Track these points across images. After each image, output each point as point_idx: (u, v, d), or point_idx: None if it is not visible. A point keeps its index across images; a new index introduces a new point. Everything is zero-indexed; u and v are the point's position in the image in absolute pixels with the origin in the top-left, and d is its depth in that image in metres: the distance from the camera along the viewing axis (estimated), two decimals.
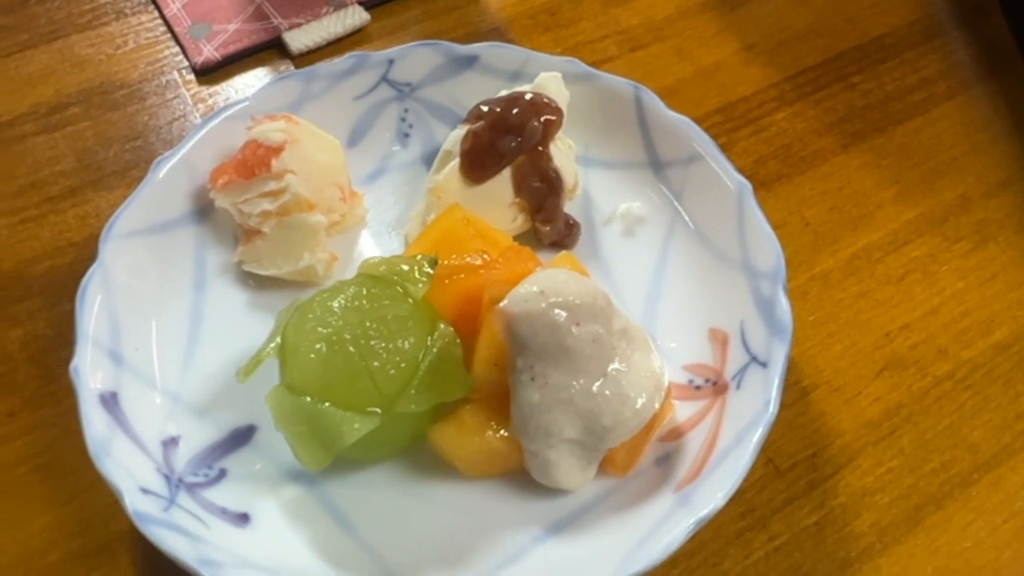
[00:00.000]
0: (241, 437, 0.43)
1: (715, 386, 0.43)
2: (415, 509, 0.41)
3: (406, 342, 0.38)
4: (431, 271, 0.40)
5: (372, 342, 0.38)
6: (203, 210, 0.49)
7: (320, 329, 0.38)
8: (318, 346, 0.38)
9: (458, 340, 0.39)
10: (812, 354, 0.48)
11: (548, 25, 0.64)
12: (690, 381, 0.44)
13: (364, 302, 0.39)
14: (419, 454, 0.42)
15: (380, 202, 0.52)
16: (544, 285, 0.39)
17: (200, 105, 0.60)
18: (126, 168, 0.56)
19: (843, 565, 0.42)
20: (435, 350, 0.39)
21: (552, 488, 0.41)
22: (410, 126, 0.54)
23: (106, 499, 0.44)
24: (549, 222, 0.48)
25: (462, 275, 0.41)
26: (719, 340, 0.45)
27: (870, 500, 0.44)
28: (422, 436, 0.41)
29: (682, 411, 0.43)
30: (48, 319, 0.50)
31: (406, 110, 0.54)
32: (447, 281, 0.41)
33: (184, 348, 0.45)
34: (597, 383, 0.39)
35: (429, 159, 0.53)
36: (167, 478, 0.40)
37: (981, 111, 0.59)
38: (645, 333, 0.42)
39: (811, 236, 0.53)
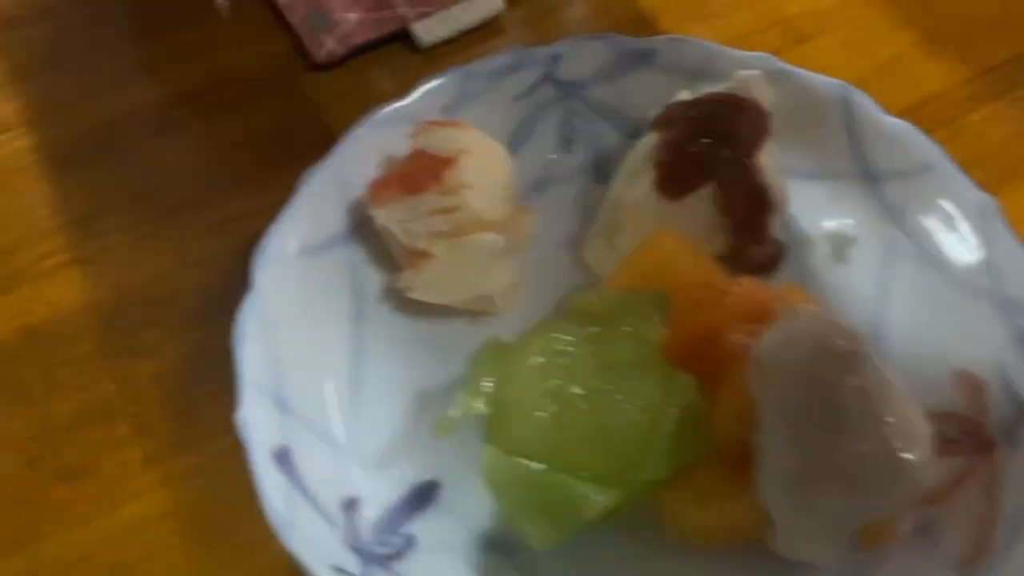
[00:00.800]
0: (423, 496, 0.37)
1: (976, 440, 0.37)
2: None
3: (646, 396, 0.32)
4: (664, 310, 0.34)
5: (609, 397, 0.32)
6: (356, 228, 0.43)
7: (547, 382, 0.32)
8: (547, 402, 0.32)
9: (700, 391, 0.33)
10: None
11: (701, 15, 0.58)
12: (940, 433, 0.38)
13: (593, 348, 0.33)
14: (644, 520, 0.36)
15: (545, 218, 0.46)
16: (807, 330, 0.33)
17: (326, 104, 0.54)
18: (247, 176, 0.50)
19: None
20: (678, 405, 0.33)
21: (799, 562, 0.35)
22: (574, 130, 0.48)
23: (268, 562, 0.38)
24: (759, 243, 0.42)
25: (690, 315, 0.35)
26: (970, 388, 0.39)
27: None
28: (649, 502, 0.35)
29: (937, 469, 0.37)
30: (179, 349, 0.44)
31: (570, 112, 0.48)
32: (673, 318, 0.35)
33: (348, 390, 0.40)
34: (865, 442, 0.33)
35: (596, 168, 0.47)
36: (357, 551, 0.34)
37: None
38: (896, 381, 0.36)
39: None
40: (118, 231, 0.48)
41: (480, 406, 0.33)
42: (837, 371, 0.33)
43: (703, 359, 0.35)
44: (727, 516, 0.34)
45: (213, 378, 0.43)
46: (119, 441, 0.42)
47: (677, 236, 0.39)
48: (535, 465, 0.32)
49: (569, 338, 0.33)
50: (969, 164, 0.50)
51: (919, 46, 0.56)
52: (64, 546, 0.39)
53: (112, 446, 0.42)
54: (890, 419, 0.34)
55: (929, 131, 0.51)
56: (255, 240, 0.41)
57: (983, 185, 0.49)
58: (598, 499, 0.31)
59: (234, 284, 0.46)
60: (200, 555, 0.39)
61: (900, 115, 0.51)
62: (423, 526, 0.36)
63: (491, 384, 0.34)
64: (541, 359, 0.33)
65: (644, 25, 0.57)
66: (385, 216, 0.42)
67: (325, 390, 0.39)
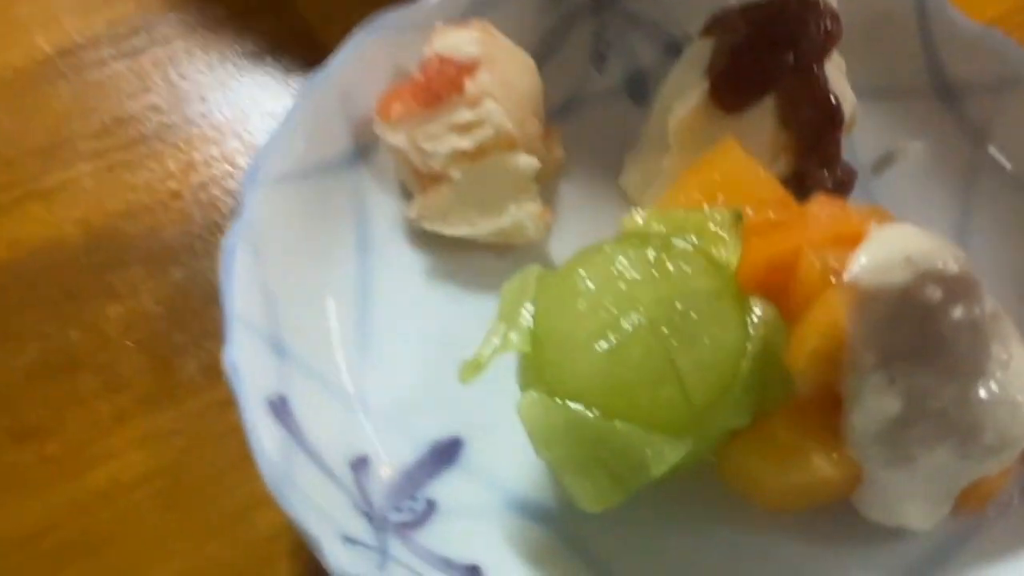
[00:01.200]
0: (444, 454, 0.32)
1: None
2: (697, 554, 0.30)
3: (722, 329, 0.27)
4: (738, 229, 0.28)
5: (679, 330, 0.26)
6: (362, 151, 0.38)
7: (601, 311, 0.27)
8: (602, 337, 0.26)
9: (782, 323, 0.28)
10: None
11: None
12: None
13: (655, 272, 0.27)
14: (698, 479, 0.31)
15: (576, 142, 0.40)
16: (909, 249, 0.27)
17: (319, 23, 0.47)
18: (234, 100, 0.45)
19: None
20: (758, 341, 0.27)
21: (887, 528, 0.30)
22: (607, 45, 0.42)
23: (260, 533, 0.34)
24: (827, 164, 0.36)
25: (763, 237, 0.30)
26: None
27: None
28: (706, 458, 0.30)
29: None
30: (154, 292, 0.39)
31: (603, 24, 0.42)
32: (745, 242, 0.30)
33: (355, 333, 0.34)
34: (977, 386, 0.28)
35: (633, 87, 0.42)
36: (368, 516, 0.29)
37: None
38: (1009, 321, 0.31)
39: None
40: (84, 161, 0.43)
41: (517, 342, 0.28)
42: (944, 299, 0.27)
43: (782, 287, 0.29)
44: (809, 474, 0.29)
45: (194, 325, 0.38)
46: (85, 396, 0.37)
47: (743, 149, 0.33)
48: (588, 411, 0.26)
49: (626, 261, 0.28)
50: None
51: None
52: (22, 517, 0.34)
53: (76, 402, 0.36)
54: (1004, 358, 0.29)
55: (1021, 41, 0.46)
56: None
57: None
58: (668, 451, 0.26)
59: (219, 219, 0.41)
60: (181, 525, 0.34)
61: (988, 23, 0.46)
62: (444, 489, 0.31)
63: (530, 316, 0.28)
64: (592, 285, 0.27)
65: None
66: (396, 134, 0.36)
67: (329, 332, 0.34)
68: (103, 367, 0.37)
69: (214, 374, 0.36)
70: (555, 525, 0.31)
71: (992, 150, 0.38)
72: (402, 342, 0.34)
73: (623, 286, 0.27)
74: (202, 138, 0.43)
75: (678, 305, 0.27)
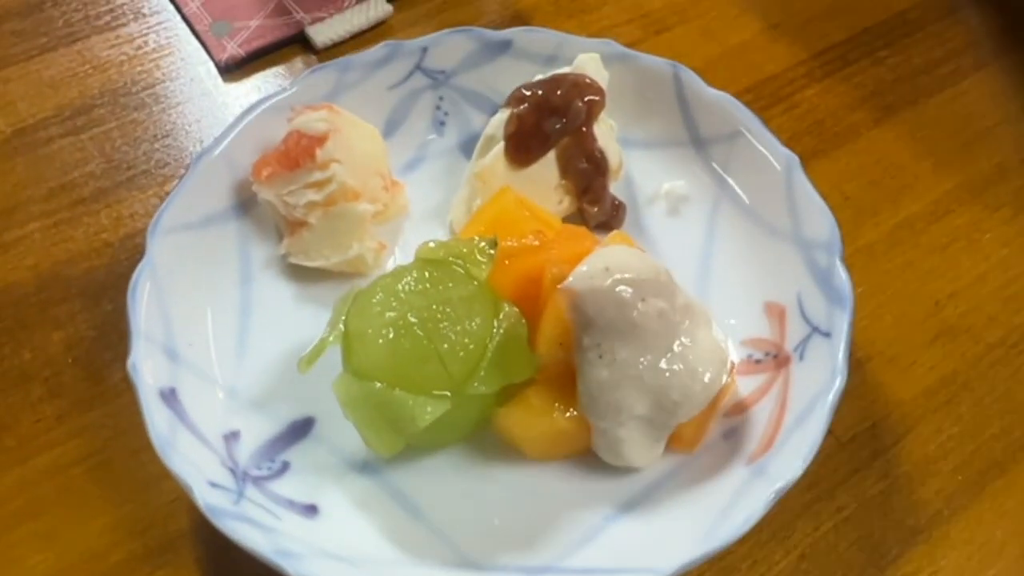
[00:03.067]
0: (300, 430, 0.43)
1: (776, 359, 0.43)
2: (483, 494, 0.41)
3: (473, 323, 0.38)
4: (492, 252, 0.40)
5: (440, 324, 0.37)
6: (245, 204, 0.49)
7: (386, 314, 0.38)
8: (385, 331, 0.37)
9: (523, 320, 0.39)
10: (863, 326, 0.48)
11: (571, 11, 0.64)
12: (749, 356, 0.44)
13: (428, 285, 0.38)
14: (482, 440, 0.42)
15: (420, 191, 0.51)
16: (609, 262, 0.39)
17: (227, 102, 0.59)
18: (156, 167, 0.56)
19: (912, 532, 0.42)
20: (502, 330, 0.38)
21: (619, 468, 0.41)
22: (445, 114, 0.54)
23: (165, 497, 0.43)
24: (596, 203, 0.48)
25: (520, 256, 0.41)
26: (776, 314, 0.45)
27: (933, 467, 0.44)
28: (485, 422, 0.41)
29: (744, 386, 0.43)
30: (89, 320, 0.49)
31: (441, 98, 0.53)
32: (505, 262, 0.41)
33: (236, 342, 0.45)
34: (665, 358, 0.39)
35: (466, 147, 0.53)
36: (232, 472, 0.39)
37: (1010, 80, 0.59)
38: (705, 308, 0.42)
39: (852, 210, 0.53)
40: (35, 220, 0.53)
41: (333, 339, 0.39)
42: (638, 295, 0.38)
43: (527, 296, 0.40)
44: (556, 428, 0.40)
45: (119, 344, 0.47)
46: (34, 401, 0.46)
47: (517, 195, 0.45)
48: (377, 384, 0.37)
49: (409, 278, 0.39)
50: (802, 133, 0.57)
51: (764, 33, 0.62)
52: None
53: (27, 406, 0.46)
54: (687, 340, 0.39)
55: (768, 105, 0.58)
56: None
57: (815, 149, 0.56)
58: (432, 408, 0.36)
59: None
60: (106, 494, 0.43)
61: (743, 93, 0.58)
62: (296, 453, 0.42)
63: (343, 322, 0.39)
64: (381, 295, 0.38)
65: (521, 22, 0.63)
66: (267, 191, 0.47)
67: (213, 343, 0.44)
68: (48, 378, 0.47)
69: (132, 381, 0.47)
70: (379, 477, 0.41)
71: (731, 184, 0.50)
72: (272, 348, 0.45)
73: (403, 295, 0.38)
74: (129, 198, 0.54)
75: (440, 307, 0.38)
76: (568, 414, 0.40)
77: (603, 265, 0.38)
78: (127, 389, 0.46)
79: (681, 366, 0.39)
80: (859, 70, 0.60)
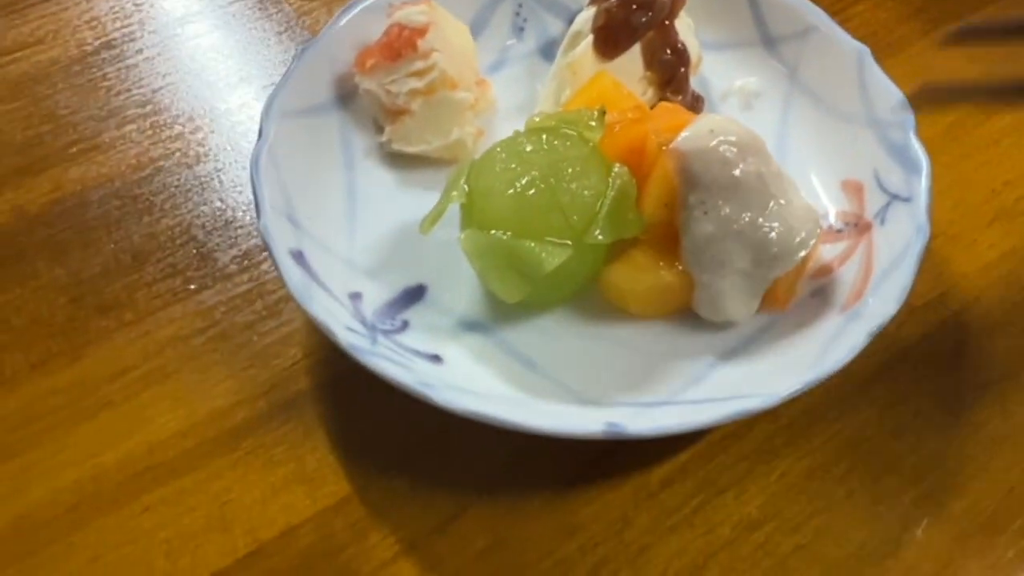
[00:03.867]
0: (414, 294, 0.45)
1: (857, 227, 0.46)
2: (592, 349, 0.43)
3: (590, 179, 0.41)
4: (603, 119, 0.43)
5: (560, 179, 0.40)
6: (345, 97, 0.51)
7: (512, 168, 0.40)
8: (512, 184, 0.40)
9: (633, 178, 0.42)
10: None
11: None
12: (831, 226, 0.47)
13: (546, 147, 0.41)
14: (585, 301, 0.45)
15: (504, 90, 0.54)
16: (713, 125, 0.42)
17: (305, 18, 0.61)
18: (244, 79, 0.58)
19: (984, 385, 0.45)
20: (616, 186, 0.41)
21: (718, 324, 0.44)
22: (524, 20, 0.56)
23: (284, 363, 0.46)
24: (679, 92, 0.51)
25: (624, 126, 0.44)
26: (853, 190, 0.48)
27: (1000, 330, 0.47)
28: (592, 281, 0.44)
29: (828, 252, 0.46)
30: (193, 209, 0.52)
31: (520, 5, 0.56)
32: (611, 132, 0.44)
33: (346, 219, 0.48)
34: (764, 215, 0.42)
35: (545, 51, 0.56)
36: (363, 322, 0.42)
37: None
38: (791, 179, 0.45)
39: None
40: (131, 123, 0.56)
41: (457, 196, 0.41)
42: (740, 155, 0.41)
43: (632, 161, 0.43)
44: (661, 283, 0.43)
45: (226, 231, 0.51)
46: (149, 281, 0.49)
47: (614, 79, 0.48)
48: (503, 234, 0.40)
49: (526, 141, 0.42)
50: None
51: None
52: (111, 360, 0.46)
53: (143, 285, 0.49)
54: (783, 200, 0.43)
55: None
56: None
57: None
58: (556, 253, 0.39)
59: (240, 159, 0.54)
60: (229, 359, 0.46)
61: None
62: (413, 314, 0.44)
63: (465, 182, 0.42)
64: (504, 155, 0.41)
65: None
66: (370, 81, 0.49)
67: (328, 218, 0.47)
68: (160, 261, 0.49)
69: (242, 262, 0.49)
70: (493, 334, 0.44)
71: (802, 78, 0.53)
72: (380, 225, 0.47)
73: (524, 155, 0.41)
74: (219, 100, 0.57)
75: (560, 165, 0.41)
76: (672, 269, 0.42)
77: (708, 128, 0.41)
78: (238, 272, 0.49)
79: (778, 223, 0.42)
80: None
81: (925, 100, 0.56)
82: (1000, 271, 0.49)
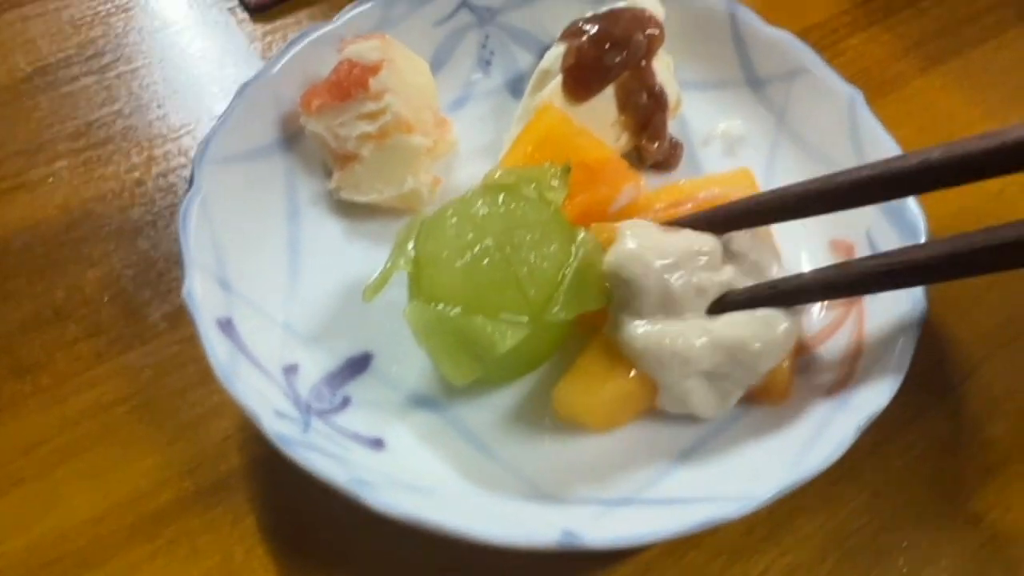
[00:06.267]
0: (358, 365, 0.41)
1: None
2: (552, 432, 0.39)
3: (551, 248, 0.36)
4: (566, 177, 0.38)
5: (517, 248, 0.36)
6: (290, 138, 0.47)
7: (462, 237, 0.36)
8: (462, 254, 0.36)
9: (601, 247, 0.38)
10: None
11: None
12: None
13: (503, 209, 0.37)
14: (550, 374, 0.40)
15: (467, 130, 0.50)
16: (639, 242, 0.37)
17: (258, 42, 0.57)
18: (186, 107, 0.54)
19: (984, 470, 0.41)
20: (580, 256, 0.37)
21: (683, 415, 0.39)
22: (491, 53, 0.52)
23: (213, 437, 0.42)
24: (656, 139, 0.47)
25: (588, 181, 0.40)
26: (843, 250, 0.44)
27: (1000, 408, 0.43)
28: (556, 353, 0.40)
29: (815, 322, 0.42)
30: (125, 259, 0.48)
31: (487, 36, 0.52)
32: (573, 193, 0.39)
33: (287, 277, 0.43)
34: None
35: (513, 86, 0.52)
36: (296, 403, 0.38)
37: None
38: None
39: None
40: (62, 159, 0.51)
41: (404, 264, 0.37)
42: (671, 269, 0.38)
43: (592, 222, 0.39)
44: (618, 394, 0.38)
45: (158, 283, 0.46)
46: (70, 340, 0.45)
47: (561, 111, 0.43)
48: (454, 310, 0.36)
49: (482, 202, 0.37)
50: (848, 80, 0.56)
51: None
52: (23, 432, 0.42)
53: (63, 345, 0.44)
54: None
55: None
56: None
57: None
58: (511, 333, 0.35)
59: (175, 201, 0.50)
60: (152, 433, 0.42)
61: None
62: (356, 388, 0.40)
63: (412, 247, 0.37)
64: (456, 219, 0.37)
65: None
66: (317, 123, 0.45)
67: (264, 276, 0.42)
68: (84, 317, 0.45)
69: (174, 320, 0.45)
70: (443, 411, 0.40)
71: (788, 124, 0.48)
72: (324, 284, 0.43)
73: (478, 219, 0.37)
74: (160, 138, 0.52)
75: (518, 231, 0.36)
76: (630, 375, 0.38)
77: (635, 245, 0.37)
78: (168, 328, 0.45)
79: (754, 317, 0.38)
80: (903, 20, 0.59)
81: (921, 142, 0.52)
82: (999, 340, 0.45)
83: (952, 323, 0.46)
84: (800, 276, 0.38)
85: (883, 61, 0.57)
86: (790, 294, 0.37)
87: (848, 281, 0.36)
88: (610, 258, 0.37)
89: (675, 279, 0.37)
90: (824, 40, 0.58)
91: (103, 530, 0.39)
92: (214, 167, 0.43)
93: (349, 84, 0.44)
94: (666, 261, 0.37)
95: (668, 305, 0.37)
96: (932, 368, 0.45)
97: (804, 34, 0.57)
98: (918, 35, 0.59)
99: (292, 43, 0.47)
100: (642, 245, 0.37)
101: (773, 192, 0.38)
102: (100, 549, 0.39)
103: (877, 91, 0.56)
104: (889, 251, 0.36)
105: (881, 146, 0.44)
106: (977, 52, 0.58)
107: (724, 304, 0.37)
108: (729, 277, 0.39)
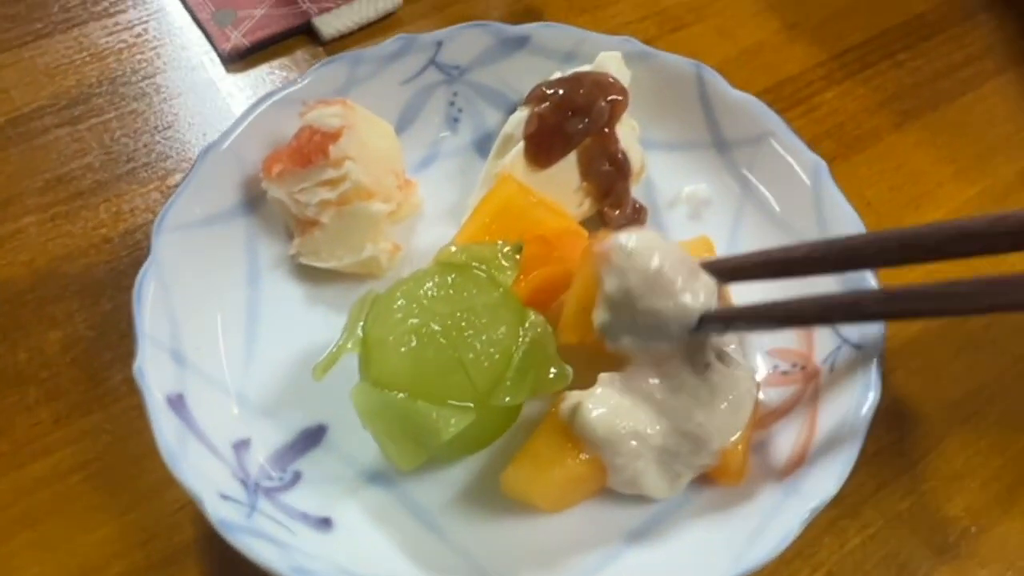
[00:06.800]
0: (311, 438, 0.41)
1: (804, 371, 0.42)
2: (503, 511, 0.39)
3: (499, 332, 0.36)
4: (517, 257, 0.38)
5: (464, 333, 0.36)
6: (252, 201, 0.47)
7: (408, 321, 0.36)
8: (407, 339, 0.36)
9: (550, 329, 0.37)
10: (888, 336, 0.47)
11: (584, 7, 0.62)
12: (776, 367, 0.43)
13: (450, 291, 0.37)
14: (499, 449, 0.40)
15: (434, 190, 0.50)
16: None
17: (231, 93, 0.57)
18: (157, 160, 0.54)
19: (941, 550, 0.41)
20: (528, 339, 0.37)
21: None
22: (459, 111, 0.52)
23: (169, 507, 0.42)
24: (618, 206, 0.46)
25: (541, 260, 0.40)
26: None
27: (961, 483, 0.43)
28: (508, 432, 0.39)
29: (771, 397, 0.42)
30: (88, 320, 0.47)
31: (455, 94, 0.52)
32: (525, 271, 0.39)
33: (244, 346, 0.43)
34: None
35: (480, 145, 0.52)
36: (244, 483, 0.38)
37: None
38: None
39: (874, 216, 0.52)
40: (31, 214, 0.51)
41: (351, 346, 0.37)
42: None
43: (546, 298, 0.39)
44: (568, 476, 0.37)
45: (120, 345, 0.46)
46: (30, 404, 0.44)
47: (519, 182, 0.43)
48: (398, 394, 0.35)
49: (430, 283, 0.37)
50: (821, 136, 0.56)
51: (781, 32, 0.61)
52: None
53: (23, 409, 0.44)
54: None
55: (787, 108, 0.57)
56: None
57: (835, 153, 0.55)
58: (456, 420, 0.35)
59: (142, 258, 0.50)
60: (107, 502, 0.42)
61: (762, 94, 0.56)
62: (308, 462, 0.40)
63: (361, 328, 0.37)
64: (403, 301, 0.37)
65: (533, 17, 0.61)
66: (277, 189, 0.45)
67: (220, 346, 0.42)
68: (44, 380, 0.45)
69: (133, 384, 0.45)
70: (394, 488, 0.40)
71: (756, 188, 0.48)
72: (281, 352, 0.43)
73: (425, 302, 0.37)
74: (129, 192, 0.52)
75: (464, 315, 0.36)
76: (580, 457, 0.37)
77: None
78: (128, 392, 0.45)
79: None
80: (878, 72, 0.59)
81: (892, 202, 0.52)
82: (964, 412, 0.45)
83: (915, 395, 0.46)
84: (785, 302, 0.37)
85: (857, 116, 0.57)
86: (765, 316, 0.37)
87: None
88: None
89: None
90: (799, 94, 0.58)
91: None
92: (172, 234, 0.43)
93: (309, 151, 0.44)
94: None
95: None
96: (895, 442, 0.44)
97: (779, 87, 0.58)
98: (894, 88, 0.58)
99: (254, 106, 0.47)
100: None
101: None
102: None
103: (851, 147, 0.56)
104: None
105: (845, 219, 0.43)
106: (953, 106, 0.58)
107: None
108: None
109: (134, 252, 0.50)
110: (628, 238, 0.37)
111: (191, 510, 0.41)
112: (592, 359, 0.38)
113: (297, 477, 0.39)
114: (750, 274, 0.38)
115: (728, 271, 0.38)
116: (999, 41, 0.61)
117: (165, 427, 0.37)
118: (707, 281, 0.37)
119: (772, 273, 0.38)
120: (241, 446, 0.39)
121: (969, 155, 0.55)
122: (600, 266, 0.37)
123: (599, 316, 0.37)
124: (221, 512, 0.35)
